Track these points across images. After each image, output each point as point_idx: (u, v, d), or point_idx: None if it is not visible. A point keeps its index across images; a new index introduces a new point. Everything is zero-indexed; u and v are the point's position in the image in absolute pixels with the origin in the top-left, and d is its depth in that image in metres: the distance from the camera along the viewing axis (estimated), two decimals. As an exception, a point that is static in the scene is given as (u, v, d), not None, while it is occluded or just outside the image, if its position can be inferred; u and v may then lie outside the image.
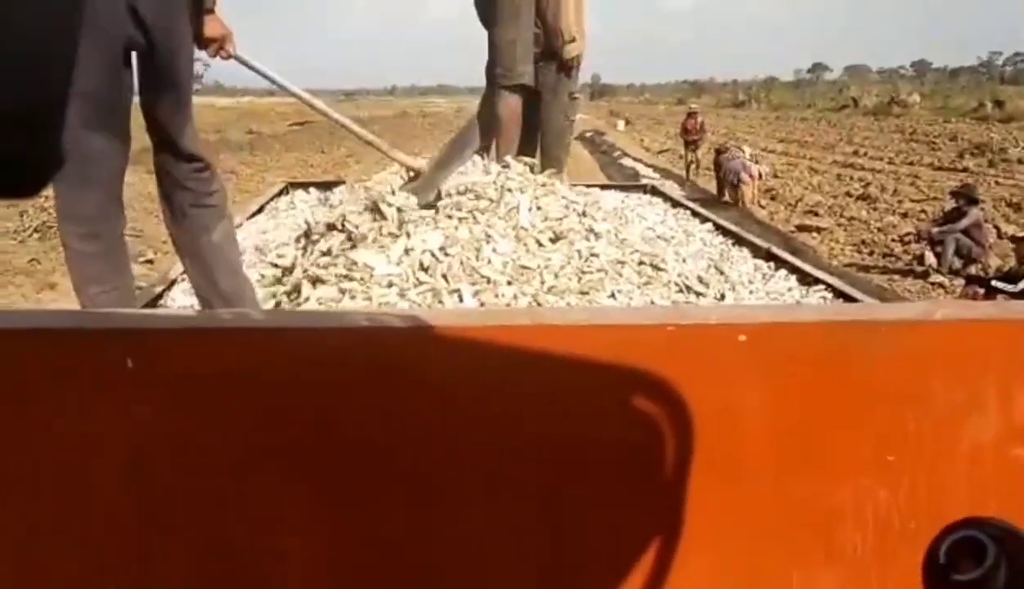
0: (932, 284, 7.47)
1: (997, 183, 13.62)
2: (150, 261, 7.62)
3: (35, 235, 8.62)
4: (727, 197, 12.52)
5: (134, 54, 1.80)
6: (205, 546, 1.10)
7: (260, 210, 3.57)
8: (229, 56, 2.09)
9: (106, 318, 1.19)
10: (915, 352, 1.26)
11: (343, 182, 4.27)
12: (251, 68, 2.12)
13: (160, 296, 2.15)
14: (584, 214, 2.08)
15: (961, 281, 7.55)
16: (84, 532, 1.09)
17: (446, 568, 1.22)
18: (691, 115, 15.94)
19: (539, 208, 2.05)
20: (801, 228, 10.11)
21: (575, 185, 4.47)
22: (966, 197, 8.18)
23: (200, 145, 1.96)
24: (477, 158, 2.52)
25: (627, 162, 18.60)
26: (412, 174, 2.44)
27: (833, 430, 1.27)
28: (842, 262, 8.45)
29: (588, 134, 26.75)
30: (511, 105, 3.35)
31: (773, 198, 12.54)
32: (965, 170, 15.42)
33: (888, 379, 1.26)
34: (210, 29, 2.00)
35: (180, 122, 1.89)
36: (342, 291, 1.66)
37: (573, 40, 3.47)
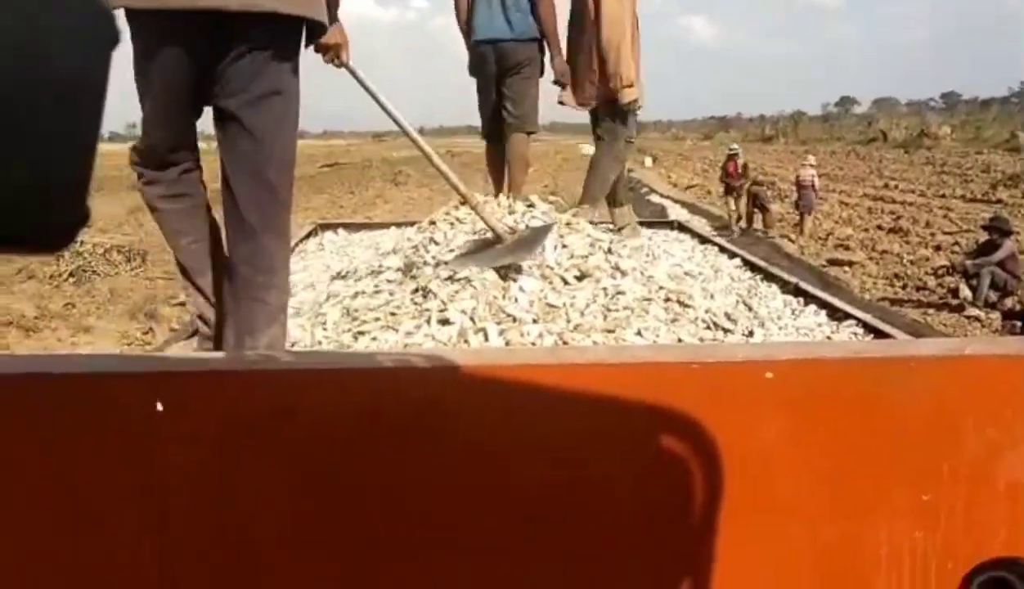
0: (968, 318, 7.34)
1: (1032, 215, 13.43)
2: (182, 304, 7.73)
3: (70, 279, 8.79)
4: (757, 224, 12.44)
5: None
6: (225, 587, 1.09)
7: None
8: (342, 64, 2.05)
9: (135, 362, 1.21)
10: (947, 389, 1.23)
11: (383, 224, 4.27)
12: (358, 80, 2.08)
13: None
14: (610, 252, 2.08)
15: (997, 314, 7.42)
16: (110, 570, 1.09)
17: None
18: (731, 157, 13.73)
19: (564, 246, 2.06)
20: (832, 262, 10.02)
21: (602, 223, 4.50)
22: (999, 230, 8.07)
23: (278, 239, 1.77)
24: (503, 198, 2.54)
25: (655, 198, 18.61)
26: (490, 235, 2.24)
27: (865, 470, 1.24)
28: (875, 296, 8.34)
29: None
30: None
31: (803, 232, 12.45)
32: (999, 201, 15.22)
33: (920, 416, 1.24)
34: (331, 36, 1.95)
35: (259, 205, 1.74)
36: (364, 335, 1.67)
37: (631, 85, 3.63)
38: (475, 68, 3.79)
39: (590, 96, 3.81)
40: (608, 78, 3.67)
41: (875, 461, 1.24)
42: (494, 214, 2.34)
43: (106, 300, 8.04)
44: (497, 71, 3.68)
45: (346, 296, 2.00)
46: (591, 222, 3.64)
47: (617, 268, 1.99)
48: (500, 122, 3.71)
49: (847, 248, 10.92)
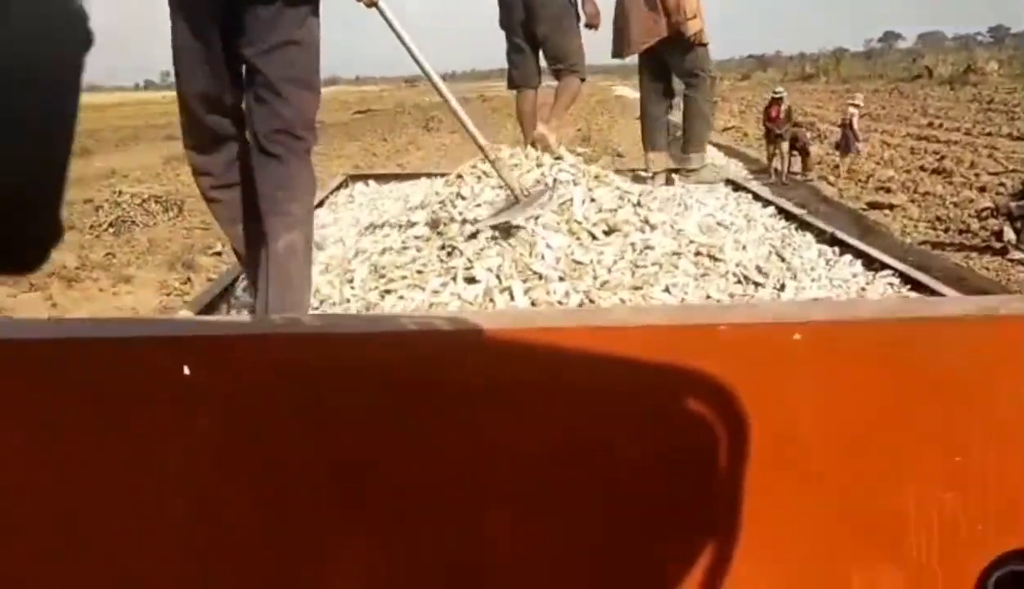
0: (1011, 261, 7.17)
1: (1080, 153, 12.99)
2: (218, 253, 7.81)
3: (110, 229, 8.93)
4: (795, 167, 12.13)
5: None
6: (254, 551, 1.12)
7: (320, 204, 3.62)
8: (373, 3, 2.04)
9: (161, 326, 1.22)
10: (980, 350, 1.21)
11: (412, 175, 4.26)
12: (387, 20, 2.07)
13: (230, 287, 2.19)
14: (639, 204, 2.05)
15: (1043, 257, 7.24)
16: (138, 533, 1.12)
17: (502, 568, 1.22)
18: (775, 101, 12.54)
19: (592, 200, 2.03)
20: (872, 205, 9.80)
21: (634, 171, 4.45)
22: (1047, 170, 7.82)
23: (299, 161, 1.86)
24: (531, 150, 2.52)
25: (691, 141, 18.27)
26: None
27: (895, 431, 1.23)
28: (916, 240, 8.17)
29: (652, 113, 26.31)
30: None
31: (842, 175, 12.19)
32: (1046, 139, 14.76)
33: (952, 378, 1.21)
34: None
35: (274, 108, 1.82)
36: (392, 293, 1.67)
37: (695, 16, 3.68)
38: (505, 19, 3.78)
39: (647, 34, 3.88)
40: (669, 12, 3.72)
41: (905, 423, 1.22)
42: (521, 166, 2.32)
43: (145, 250, 8.16)
44: (526, 18, 3.65)
45: (374, 252, 2.00)
46: (689, 171, 3.68)
47: (647, 222, 1.97)
48: (532, 71, 3.75)
49: (888, 190, 10.67)
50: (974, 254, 7.50)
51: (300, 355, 1.11)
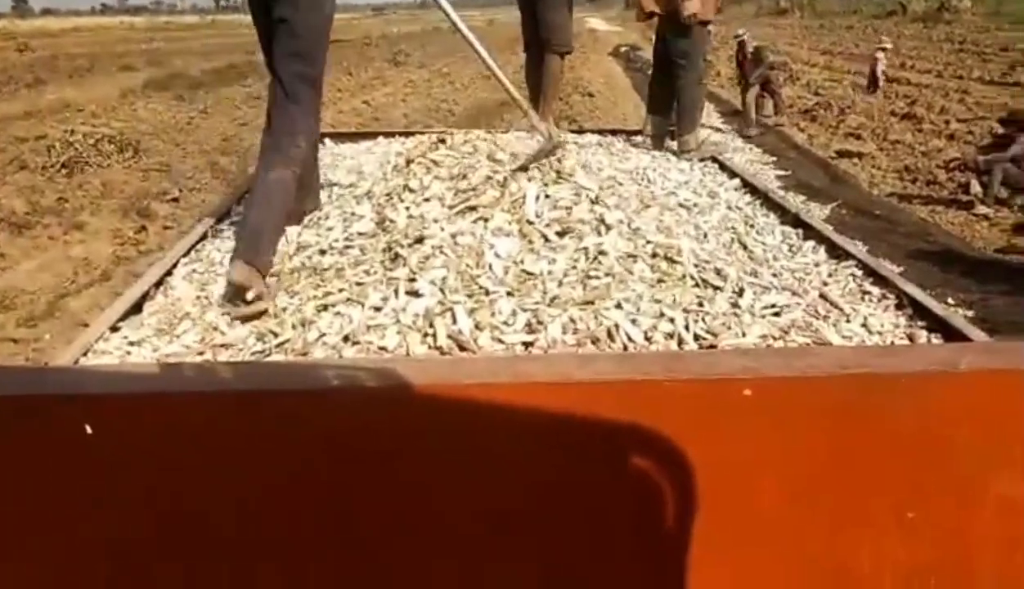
0: (976, 216, 7.18)
1: (1051, 98, 13.01)
2: (175, 200, 7.59)
3: (63, 170, 8.62)
4: (767, 110, 11.97)
5: None
6: None
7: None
8: None
9: (62, 381, 1.12)
10: (938, 404, 1.15)
11: (370, 134, 4.14)
12: None
13: (160, 282, 2.08)
14: (596, 201, 1.96)
15: (1007, 211, 7.25)
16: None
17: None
18: (740, 45, 12.49)
19: (547, 196, 1.94)
20: (841, 154, 9.76)
21: (603, 131, 4.35)
22: (1016, 124, 7.80)
23: (300, 106, 2.12)
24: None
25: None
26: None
27: (847, 486, 1.17)
28: (883, 192, 8.15)
29: (623, 49, 26.00)
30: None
31: (814, 119, 12.10)
32: (1016, 84, 14.74)
33: (908, 432, 1.15)
34: None
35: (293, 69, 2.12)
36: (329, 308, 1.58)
37: None
38: None
39: (650, 3, 3.87)
40: None
41: (858, 477, 1.17)
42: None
43: (99, 194, 7.89)
44: None
45: (314, 251, 1.90)
46: (689, 153, 3.62)
47: (602, 221, 1.88)
48: (536, 38, 3.76)
49: (858, 137, 10.62)
50: (940, 208, 7.49)
51: (208, 417, 1.03)
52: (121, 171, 8.89)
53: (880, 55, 14.32)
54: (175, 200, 7.64)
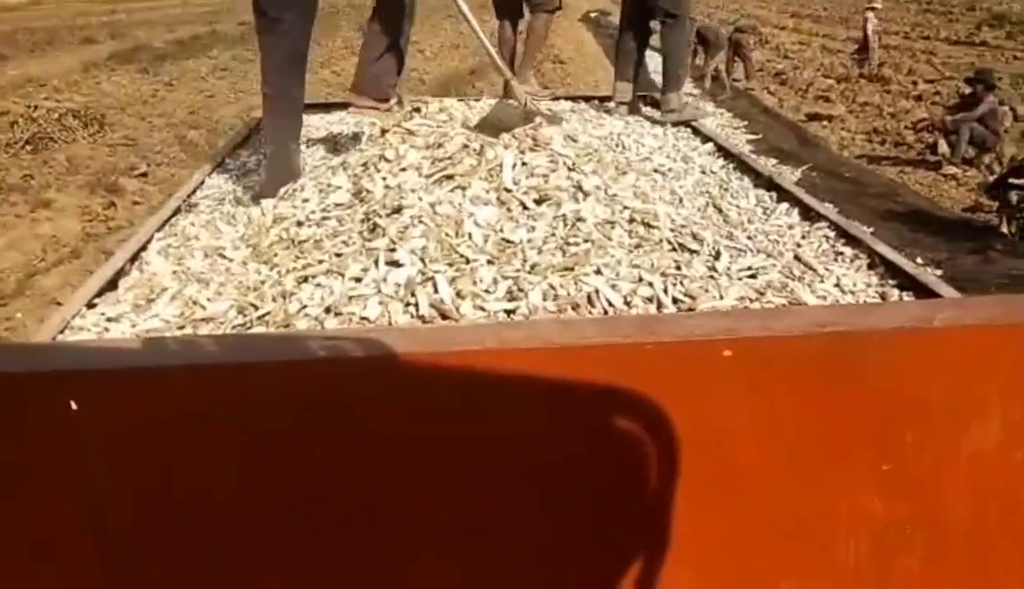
0: (944, 175, 7.29)
1: (1016, 57, 13.13)
2: (143, 174, 7.48)
3: (27, 147, 8.44)
4: (737, 74, 11.99)
5: None
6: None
7: (242, 143, 3.43)
8: None
9: (48, 358, 1.12)
10: (913, 360, 1.18)
11: (340, 105, 4.10)
12: None
13: (135, 257, 2.06)
14: (573, 168, 1.96)
15: (974, 171, 7.36)
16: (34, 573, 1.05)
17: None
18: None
19: (524, 163, 1.94)
20: (811, 117, 9.82)
21: (576, 97, 4.33)
22: (983, 83, 7.88)
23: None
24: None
25: (632, 45, 17.97)
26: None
27: (825, 442, 1.20)
28: (853, 154, 8.23)
29: (593, 14, 25.81)
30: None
31: (783, 82, 12.14)
32: (983, 44, 14.87)
33: (884, 389, 1.18)
34: None
35: None
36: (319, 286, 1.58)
37: None
38: None
39: None
40: None
41: (836, 433, 1.20)
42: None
43: (64, 171, 7.74)
44: None
45: (292, 223, 1.90)
46: (672, 113, 3.60)
47: (580, 188, 1.88)
48: (513, 2, 3.78)
49: (828, 100, 10.69)
50: (908, 168, 7.59)
51: (193, 390, 1.03)
52: (87, 146, 8.73)
53: (870, 15, 13.30)
54: (143, 175, 7.53)
